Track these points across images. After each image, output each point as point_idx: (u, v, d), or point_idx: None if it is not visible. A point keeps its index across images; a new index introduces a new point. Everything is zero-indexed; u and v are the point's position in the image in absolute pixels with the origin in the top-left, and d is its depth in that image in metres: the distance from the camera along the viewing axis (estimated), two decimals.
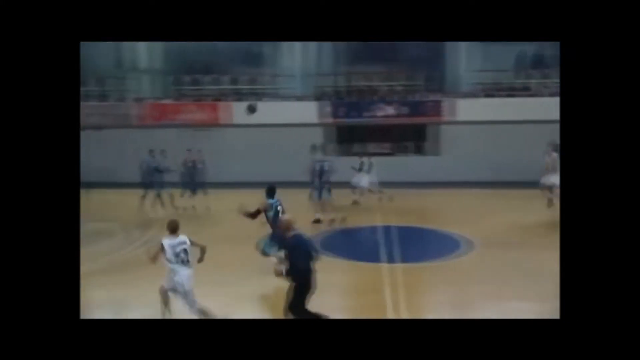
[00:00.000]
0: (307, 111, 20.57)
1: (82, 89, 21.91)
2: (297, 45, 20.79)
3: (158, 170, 15.72)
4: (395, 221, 15.02)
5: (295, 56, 21.35)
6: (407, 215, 15.90)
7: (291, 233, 7.49)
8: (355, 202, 17.03)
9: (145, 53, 21.51)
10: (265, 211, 10.44)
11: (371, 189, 17.25)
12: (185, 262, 7.84)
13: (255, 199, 10.76)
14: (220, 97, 21.47)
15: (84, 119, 20.84)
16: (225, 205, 12.69)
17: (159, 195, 15.92)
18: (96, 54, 21.13)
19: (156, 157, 16.14)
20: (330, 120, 20.70)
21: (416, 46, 20.75)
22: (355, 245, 13.72)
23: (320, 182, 14.58)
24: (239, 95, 21.64)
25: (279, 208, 10.43)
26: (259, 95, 21.69)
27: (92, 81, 21.98)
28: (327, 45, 21.55)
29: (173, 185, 16.25)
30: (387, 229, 14.12)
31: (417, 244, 13.25)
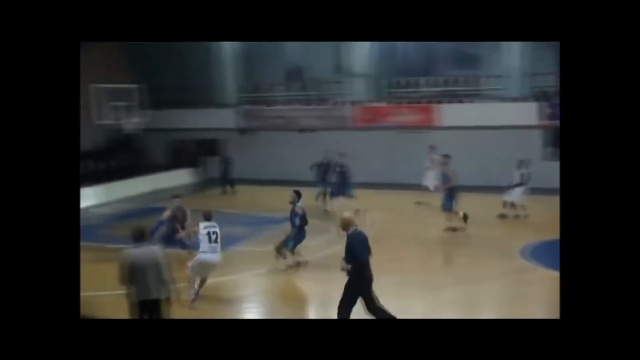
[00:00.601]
0: (524, 113, 19.61)
1: (302, 93, 23.74)
2: (515, 45, 19.87)
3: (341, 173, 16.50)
4: None
5: (512, 56, 20.43)
6: None
7: (350, 230, 7.88)
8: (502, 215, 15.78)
9: (359, 57, 22.33)
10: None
11: (517, 203, 15.48)
12: (213, 242, 9.68)
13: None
14: (433, 98, 21.49)
15: (300, 120, 22.46)
16: None
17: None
18: (315, 61, 22.62)
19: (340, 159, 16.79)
20: (547, 122, 19.48)
21: None
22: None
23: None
24: (452, 97, 21.43)
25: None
26: (472, 97, 21.25)
27: (314, 85, 23.52)
28: (543, 45, 20.23)
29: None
30: None
31: None
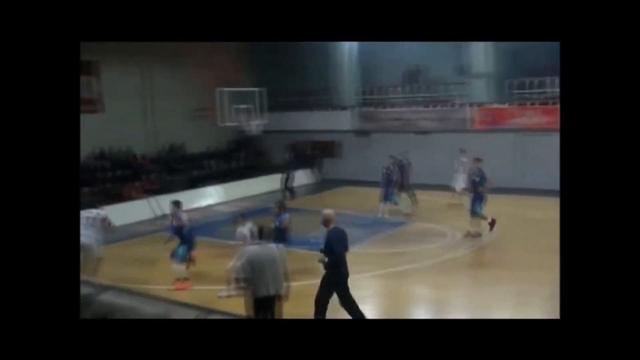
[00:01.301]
0: None
1: (420, 95, 23.40)
2: None
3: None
4: None
5: None
6: None
7: (331, 226, 8.27)
8: None
9: (480, 57, 21.64)
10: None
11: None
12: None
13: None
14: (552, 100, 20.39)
15: (418, 122, 22.11)
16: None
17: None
18: (434, 61, 22.19)
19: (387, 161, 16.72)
20: None
21: None
22: None
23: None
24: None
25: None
26: None
27: (432, 86, 23.12)
28: None
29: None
30: None
31: None
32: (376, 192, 16.65)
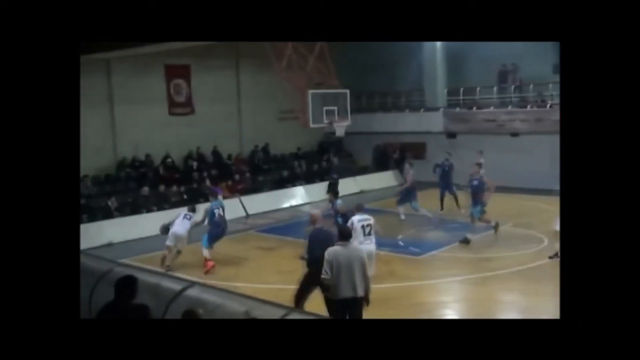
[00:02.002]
0: None
1: (514, 95, 22.62)
2: None
3: None
4: None
5: None
6: None
7: (313, 226, 8.75)
8: None
9: None
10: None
11: None
12: (367, 235, 10.19)
13: None
14: None
15: (511, 124, 21.33)
16: None
17: None
18: (530, 61, 21.38)
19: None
20: None
21: None
22: None
23: None
24: None
25: None
26: None
27: (527, 87, 22.32)
28: None
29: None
30: None
31: None
32: (462, 196, 16.30)
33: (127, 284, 5.35)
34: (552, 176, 18.39)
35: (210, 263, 12.23)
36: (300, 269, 8.87)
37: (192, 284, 7.02)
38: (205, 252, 12.33)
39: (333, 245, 7.75)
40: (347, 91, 18.32)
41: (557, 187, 15.26)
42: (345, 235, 7.50)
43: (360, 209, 10.66)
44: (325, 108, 17.52)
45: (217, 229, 12.59)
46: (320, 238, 8.46)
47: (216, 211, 12.70)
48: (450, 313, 10.02)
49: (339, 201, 12.54)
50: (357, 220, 10.26)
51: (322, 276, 7.26)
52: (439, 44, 23.89)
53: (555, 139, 19.89)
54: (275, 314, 5.84)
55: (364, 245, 9.86)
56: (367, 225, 10.27)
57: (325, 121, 17.48)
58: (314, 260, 8.15)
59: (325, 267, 7.19)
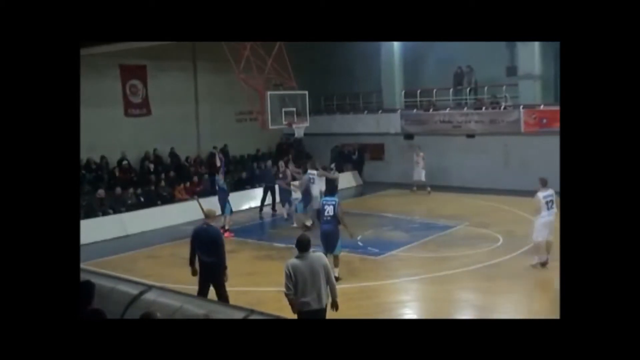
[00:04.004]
0: None
1: (470, 97, 23.02)
2: None
3: None
4: None
5: None
6: None
7: (210, 223, 9.29)
8: None
9: (531, 58, 21.03)
10: None
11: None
12: (550, 208, 11.25)
13: None
14: None
15: (467, 125, 21.72)
16: None
17: None
18: (485, 63, 21.77)
19: None
20: None
21: None
22: None
23: None
24: None
25: None
26: None
27: (483, 88, 22.71)
28: None
29: None
30: None
31: None
32: (422, 196, 16.47)
33: (84, 289, 5.20)
34: (506, 176, 18.95)
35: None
36: (260, 271, 8.83)
37: (149, 287, 6.92)
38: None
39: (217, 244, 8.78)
40: (306, 92, 18.34)
41: (511, 186, 15.92)
42: (303, 246, 6.98)
43: (544, 184, 11.38)
44: (284, 109, 17.49)
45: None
46: (202, 235, 9.12)
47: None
48: (409, 312, 10.13)
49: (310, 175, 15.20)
50: (542, 196, 11.24)
51: (285, 292, 6.87)
52: (395, 45, 24.10)
53: (509, 140, 20.42)
54: (236, 316, 5.79)
55: (544, 218, 11.16)
56: (550, 200, 11.25)
57: (284, 122, 17.46)
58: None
59: (287, 282, 6.83)
